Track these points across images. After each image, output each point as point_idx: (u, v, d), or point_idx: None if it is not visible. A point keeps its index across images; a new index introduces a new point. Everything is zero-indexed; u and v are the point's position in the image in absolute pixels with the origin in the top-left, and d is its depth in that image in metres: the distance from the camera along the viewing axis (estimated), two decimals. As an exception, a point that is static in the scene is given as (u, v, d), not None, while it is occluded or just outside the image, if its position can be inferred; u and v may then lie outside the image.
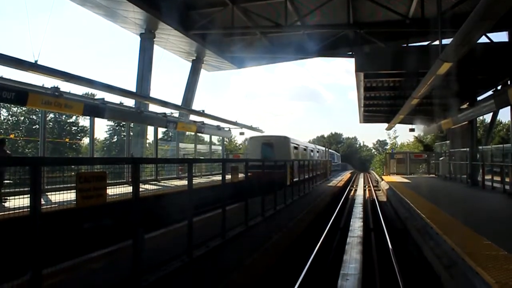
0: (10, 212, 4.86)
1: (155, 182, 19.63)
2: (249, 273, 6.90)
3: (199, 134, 27.75)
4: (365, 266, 7.91)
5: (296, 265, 8.51)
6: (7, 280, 4.34)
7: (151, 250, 6.19)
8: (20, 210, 4.47)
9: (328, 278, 7.81)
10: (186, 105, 23.79)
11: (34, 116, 42.78)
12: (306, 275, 7.80)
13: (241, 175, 10.17)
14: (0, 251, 4.77)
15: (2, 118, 44.87)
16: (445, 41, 13.25)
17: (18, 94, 12.53)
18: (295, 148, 23.93)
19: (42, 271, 3.82)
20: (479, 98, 21.05)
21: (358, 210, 15.91)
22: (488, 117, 28.05)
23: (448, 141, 30.00)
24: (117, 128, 53.31)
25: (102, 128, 61.38)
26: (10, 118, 45.62)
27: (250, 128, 31.78)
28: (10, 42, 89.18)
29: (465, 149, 23.21)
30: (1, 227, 5.07)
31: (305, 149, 28.80)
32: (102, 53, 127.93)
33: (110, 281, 5.22)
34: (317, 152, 36.79)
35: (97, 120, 17.73)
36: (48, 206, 5.37)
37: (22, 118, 45.51)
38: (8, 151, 12.08)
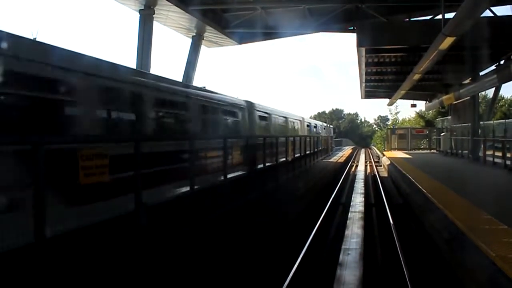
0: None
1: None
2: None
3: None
4: (366, 240, 7.99)
5: (298, 238, 8.59)
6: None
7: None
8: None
9: (330, 253, 7.92)
10: (187, 82, 23.62)
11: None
12: (307, 251, 7.88)
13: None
14: None
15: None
16: (448, 15, 13.07)
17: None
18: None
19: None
20: (481, 73, 20.89)
21: (359, 186, 16.00)
22: (490, 92, 27.85)
23: (449, 117, 29.92)
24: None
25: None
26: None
27: None
28: (8, 19, 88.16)
29: (466, 124, 23.17)
30: None
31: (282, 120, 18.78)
32: (102, 30, 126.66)
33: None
34: (312, 126, 28.03)
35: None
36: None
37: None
38: None
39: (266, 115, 15.89)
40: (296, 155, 16.63)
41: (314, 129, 28.74)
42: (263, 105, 15.79)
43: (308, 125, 26.28)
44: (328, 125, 39.80)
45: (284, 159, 14.04)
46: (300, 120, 23.61)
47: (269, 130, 15.97)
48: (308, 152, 19.65)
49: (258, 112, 14.60)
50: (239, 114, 12.55)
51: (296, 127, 22.26)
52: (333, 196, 14.45)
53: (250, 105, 13.78)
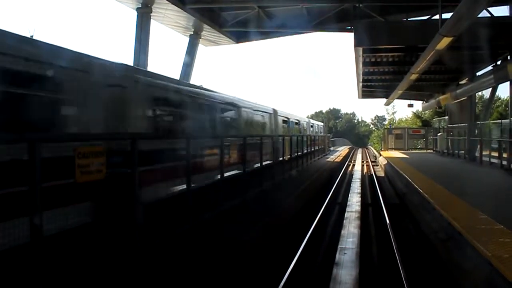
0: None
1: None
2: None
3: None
4: (362, 240, 7.99)
5: (295, 236, 8.58)
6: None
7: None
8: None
9: (326, 252, 7.92)
10: (184, 80, 23.56)
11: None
12: (304, 250, 7.88)
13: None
14: None
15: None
16: (445, 16, 13.10)
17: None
18: None
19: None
20: (478, 73, 20.93)
21: (356, 185, 16.00)
22: (486, 93, 27.96)
23: (446, 117, 29.98)
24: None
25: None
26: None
27: None
28: (4, 17, 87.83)
29: (463, 124, 23.22)
30: None
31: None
32: (99, 28, 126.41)
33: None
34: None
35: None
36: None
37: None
38: None
39: (187, 99, 9.22)
40: (267, 162, 12.22)
41: (296, 127, 23.03)
42: (182, 82, 10.44)
43: (285, 121, 20.37)
44: (322, 123, 36.70)
45: (245, 169, 9.65)
46: (270, 113, 17.45)
47: (200, 123, 9.51)
48: (290, 156, 15.55)
49: (159, 90, 7.96)
50: (99, 92, 5.88)
51: (262, 123, 16.28)
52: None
53: (133, 77, 7.26)
